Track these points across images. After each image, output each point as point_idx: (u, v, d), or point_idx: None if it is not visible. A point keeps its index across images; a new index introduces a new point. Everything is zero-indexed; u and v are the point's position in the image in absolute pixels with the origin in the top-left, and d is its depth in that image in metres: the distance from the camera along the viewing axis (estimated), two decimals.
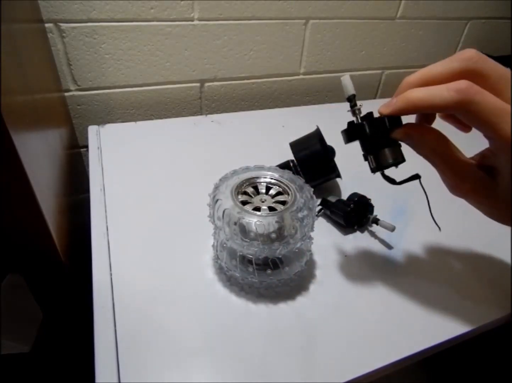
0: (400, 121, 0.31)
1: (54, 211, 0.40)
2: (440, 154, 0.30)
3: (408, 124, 0.31)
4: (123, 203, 0.47)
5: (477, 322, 0.36)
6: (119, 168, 0.54)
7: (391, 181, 0.34)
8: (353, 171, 0.51)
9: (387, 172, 0.33)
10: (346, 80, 0.33)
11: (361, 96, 0.91)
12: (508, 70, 0.27)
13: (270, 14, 0.72)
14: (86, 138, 0.61)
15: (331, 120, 0.65)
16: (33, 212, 0.34)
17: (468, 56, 0.28)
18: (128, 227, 0.44)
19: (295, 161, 0.50)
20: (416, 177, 0.34)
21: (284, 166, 0.51)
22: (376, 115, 0.32)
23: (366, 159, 0.34)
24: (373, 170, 0.33)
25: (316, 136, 0.50)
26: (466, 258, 0.44)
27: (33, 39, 0.49)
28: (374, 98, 0.95)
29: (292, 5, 0.72)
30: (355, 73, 0.88)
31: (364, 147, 0.33)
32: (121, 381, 0.29)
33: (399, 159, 0.32)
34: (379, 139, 0.32)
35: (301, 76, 0.83)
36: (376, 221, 0.44)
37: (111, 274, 0.38)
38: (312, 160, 0.49)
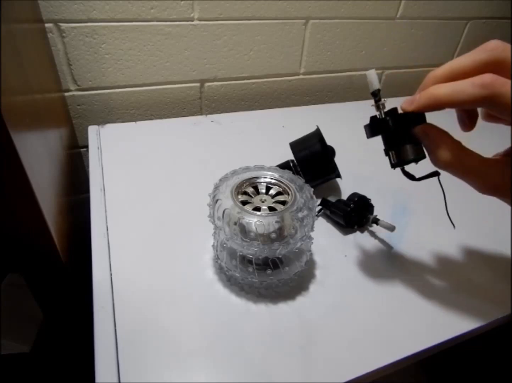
0: (424, 117, 0.31)
1: (54, 211, 0.40)
2: (453, 164, 0.29)
3: (429, 124, 0.31)
4: (123, 203, 0.47)
5: (477, 322, 0.36)
6: (119, 168, 0.54)
7: (411, 177, 0.34)
8: (353, 171, 0.51)
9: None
10: (372, 75, 0.32)
11: (361, 96, 0.91)
12: None
13: (270, 14, 0.72)
14: (86, 138, 0.61)
15: (331, 120, 0.65)
16: (33, 212, 0.34)
17: (493, 46, 0.27)
18: (128, 227, 0.44)
19: (295, 161, 0.50)
20: (435, 174, 0.33)
21: (284, 166, 0.51)
22: (400, 111, 0.31)
23: (387, 154, 0.33)
24: (394, 166, 0.33)
25: (316, 136, 0.50)
26: (466, 258, 0.44)
27: (33, 39, 0.49)
28: None
29: (292, 5, 0.72)
30: (355, 73, 0.88)
31: (386, 142, 0.33)
32: (121, 381, 0.29)
33: (420, 156, 0.32)
34: (401, 135, 0.31)
35: (301, 76, 0.83)
36: (376, 221, 0.44)
37: (111, 274, 0.38)
38: (312, 160, 0.49)
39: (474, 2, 0.88)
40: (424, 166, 0.32)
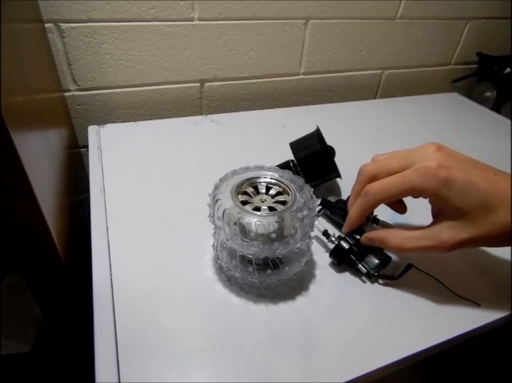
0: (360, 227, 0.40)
1: (54, 211, 0.40)
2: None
3: (369, 232, 0.39)
4: (123, 203, 0.47)
5: (477, 322, 0.36)
6: (119, 168, 0.54)
7: (390, 277, 0.39)
8: (353, 171, 0.51)
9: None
10: (317, 224, 0.41)
11: (361, 96, 0.91)
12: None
13: (270, 14, 0.72)
14: (86, 138, 0.61)
15: (331, 120, 0.65)
16: (33, 212, 0.34)
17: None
18: (128, 227, 0.44)
19: (295, 161, 0.50)
20: (409, 267, 0.39)
21: (284, 166, 0.51)
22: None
23: (358, 270, 0.39)
24: (368, 275, 0.39)
25: (316, 136, 0.50)
26: (466, 258, 0.43)
27: (33, 39, 0.49)
28: (374, 98, 0.95)
29: (292, 5, 0.72)
30: (355, 73, 0.88)
31: (352, 259, 0.39)
32: (121, 381, 0.29)
33: (383, 258, 0.38)
34: (358, 249, 0.38)
35: (301, 76, 0.83)
36: (376, 221, 0.44)
37: (111, 274, 0.38)
38: (312, 160, 0.49)
39: (474, 2, 0.88)
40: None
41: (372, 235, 0.38)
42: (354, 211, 0.38)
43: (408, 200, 0.39)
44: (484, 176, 0.32)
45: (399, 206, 0.40)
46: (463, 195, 0.32)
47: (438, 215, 0.35)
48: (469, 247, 0.34)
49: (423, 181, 0.33)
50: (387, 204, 0.40)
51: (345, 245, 0.38)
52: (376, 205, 0.37)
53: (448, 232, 0.33)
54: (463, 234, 0.33)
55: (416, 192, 0.34)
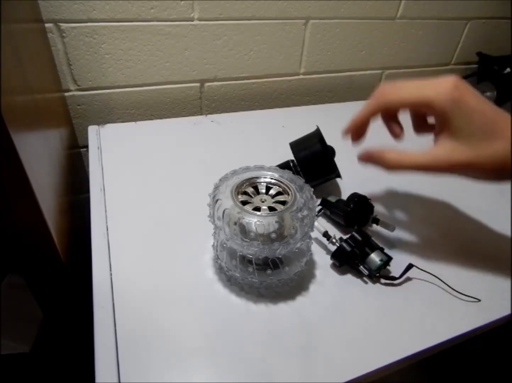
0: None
1: (54, 211, 0.40)
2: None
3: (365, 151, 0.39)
4: (123, 203, 0.47)
5: (477, 322, 0.36)
6: (119, 168, 0.54)
7: (391, 278, 0.39)
8: (353, 171, 0.51)
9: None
10: (317, 226, 0.41)
11: (362, 96, 0.91)
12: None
13: (270, 14, 0.72)
14: (86, 138, 0.61)
15: (331, 120, 0.65)
16: (33, 212, 0.34)
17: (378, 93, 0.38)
18: (128, 227, 0.44)
19: (295, 161, 0.50)
20: (410, 266, 0.39)
21: (284, 166, 0.51)
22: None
23: (360, 271, 0.39)
24: (370, 275, 0.39)
25: (316, 136, 0.50)
26: (466, 258, 0.43)
27: (33, 39, 0.49)
28: None
29: (292, 5, 0.72)
30: (355, 73, 0.88)
31: (353, 261, 0.39)
32: (121, 381, 0.29)
33: (384, 258, 0.38)
34: (359, 251, 0.38)
35: (301, 76, 0.83)
36: (376, 221, 0.44)
37: (111, 274, 0.38)
38: (312, 160, 0.49)
39: (474, 2, 0.88)
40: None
41: (371, 150, 0.38)
42: (361, 110, 0.38)
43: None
44: (493, 108, 0.34)
45: (396, 127, 0.40)
46: (469, 117, 0.33)
47: (439, 137, 0.36)
48: (463, 172, 0.35)
49: (436, 95, 0.33)
50: (385, 124, 0.41)
51: (347, 247, 0.38)
52: (384, 107, 0.37)
53: (446, 151, 0.34)
54: (461, 156, 0.34)
55: (426, 106, 0.35)
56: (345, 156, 0.55)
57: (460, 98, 0.33)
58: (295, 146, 0.51)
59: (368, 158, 0.38)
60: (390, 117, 0.40)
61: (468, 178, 0.36)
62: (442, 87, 0.33)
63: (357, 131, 0.40)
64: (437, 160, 0.35)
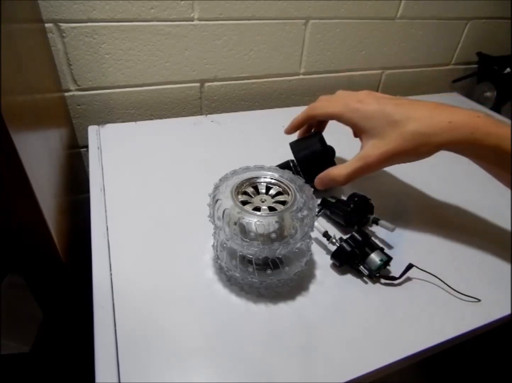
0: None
1: (54, 211, 0.40)
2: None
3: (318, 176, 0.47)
4: (123, 203, 0.47)
5: (477, 322, 0.36)
6: (119, 168, 0.54)
7: (391, 278, 0.39)
8: None
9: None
10: (317, 226, 0.41)
11: None
12: None
13: (270, 14, 0.72)
14: (86, 138, 0.61)
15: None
16: (33, 212, 0.34)
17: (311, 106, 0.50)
18: (128, 227, 0.44)
19: (295, 161, 0.50)
20: (410, 266, 0.39)
21: (284, 166, 0.51)
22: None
23: (360, 271, 0.39)
24: (370, 276, 0.39)
25: (316, 136, 0.50)
26: (466, 258, 0.44)
27: (33, 39, 0.49)
28: None
29: (292, 5, 0.72)
30: (355, 73, 0.88)
31: (353, 261, 0.39)
32: (121, 381, 0.29)
33: (384, 258, 0.38)
34: (359, 251, 0.39)
35: (301, 76, 0.83)
36: (376, 221, 0.44)
37: (111, 274, 0.38)
38: (312, 160, 0.49)
39: (474, 2, 0.88)
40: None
41: (320, 175, 0.46)
42: (299, 115, 0.50)
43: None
44: (394, 104, 0.41)
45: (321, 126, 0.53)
46: (372, 118, 0.41)
47: (362, 141, 0.43)
48: (394, 161, 0.41)
49: (340, 109, 0.44)
50: (315, 126, 0.53)
51: (347, 247, 0.38)
52: (314, 115, 0.48)
53: (372, 150, 0.41)
54: (382, 148, 0.40)
55: (337, 118, 0.45)
56: (345, 156, 0.55)
57: (360, 107, 0.42)
58: (295, 146, 0.51)
59: (321, 182, 0.46)
60: (319, 122, 0.52)
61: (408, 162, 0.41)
62: (348, 102, 0.44)
63: (295, 131, 0.52)
64: (367, 161, 0.41)
